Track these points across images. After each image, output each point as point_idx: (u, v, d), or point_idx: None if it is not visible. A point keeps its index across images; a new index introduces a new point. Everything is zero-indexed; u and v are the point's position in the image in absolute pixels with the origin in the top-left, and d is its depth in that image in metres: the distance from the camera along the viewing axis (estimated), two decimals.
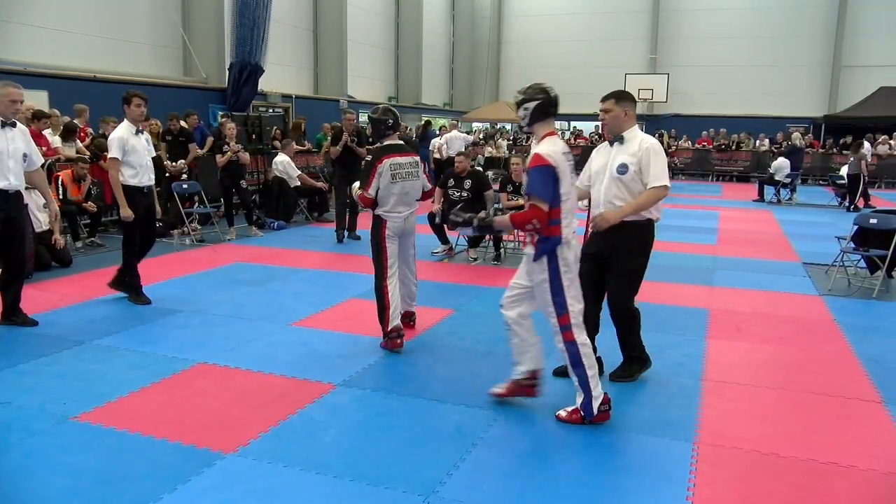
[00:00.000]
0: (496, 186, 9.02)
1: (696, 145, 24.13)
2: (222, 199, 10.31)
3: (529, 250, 3.84)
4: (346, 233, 9.75)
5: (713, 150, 23.28)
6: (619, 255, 4.35)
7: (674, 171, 19.21)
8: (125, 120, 6.22)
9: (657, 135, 22.96)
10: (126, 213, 6.06)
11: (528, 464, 3.45)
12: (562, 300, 3.75)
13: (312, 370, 4.63)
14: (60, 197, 8.51)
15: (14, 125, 5.38)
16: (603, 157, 4.43)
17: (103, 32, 15.00)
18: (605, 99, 4.38)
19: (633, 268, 4.41)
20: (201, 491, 3.13)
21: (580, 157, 23.26)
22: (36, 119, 9.36)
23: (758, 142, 23.42)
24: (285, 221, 11.19)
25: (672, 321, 5.99)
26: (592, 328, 4.38)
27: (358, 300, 6.39)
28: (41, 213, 7.68)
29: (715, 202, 16.43)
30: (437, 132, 18.01)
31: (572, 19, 30.40)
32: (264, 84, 17.46)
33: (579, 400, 3.85)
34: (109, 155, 6.19)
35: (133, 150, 6.12)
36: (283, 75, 20.22)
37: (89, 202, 8.95)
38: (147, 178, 6.26)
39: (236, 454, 3.48)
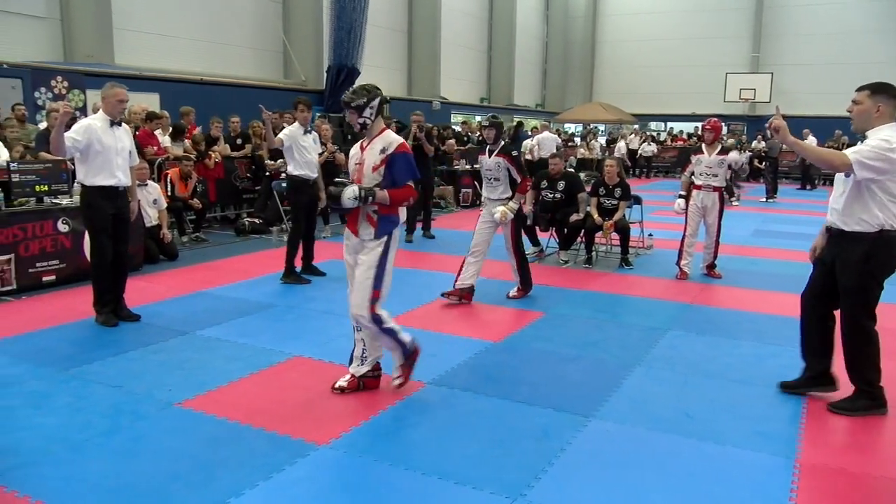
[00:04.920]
0: (588, 188, 8.89)
1: None
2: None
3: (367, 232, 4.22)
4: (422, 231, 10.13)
5: None
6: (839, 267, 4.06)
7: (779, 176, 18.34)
8: (296, 122, 7.15)
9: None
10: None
11: (616, 472, 3.37)
12: (381, 276, 4.15)
13: None
14: (168, 193, 8.94)
15: (119, 124, 5.57)
16: None
17: (209, 37, 15.74)
18: (860, 89, 3.89)
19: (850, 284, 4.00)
20: (295, 480, 3.23)
21: (676, 158, 22.80)
22: (148, 120, 9.91)
23: None
24: None
25: (771, 332, 5.73)
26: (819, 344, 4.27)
27: (445, 300, 6.44)
28: (150, 209, 8.11)
29: (823, 208, 15.60)
30: (529, 133, 17.91)
31: (669, 17, 29.58)
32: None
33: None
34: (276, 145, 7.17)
35: (300, 147, 6.99)
36: (377, 77, 20.56)
37: (195, 199, 9.34)
38: (309, 172, 7.11)
39: (328, 446, 3.56)
